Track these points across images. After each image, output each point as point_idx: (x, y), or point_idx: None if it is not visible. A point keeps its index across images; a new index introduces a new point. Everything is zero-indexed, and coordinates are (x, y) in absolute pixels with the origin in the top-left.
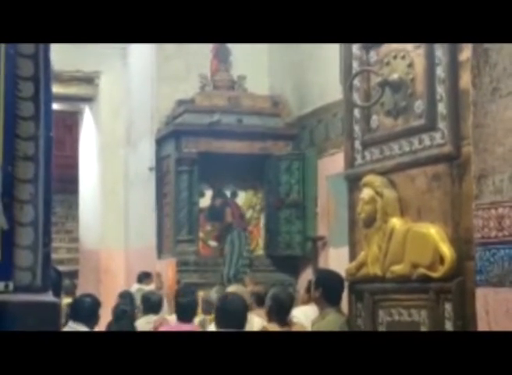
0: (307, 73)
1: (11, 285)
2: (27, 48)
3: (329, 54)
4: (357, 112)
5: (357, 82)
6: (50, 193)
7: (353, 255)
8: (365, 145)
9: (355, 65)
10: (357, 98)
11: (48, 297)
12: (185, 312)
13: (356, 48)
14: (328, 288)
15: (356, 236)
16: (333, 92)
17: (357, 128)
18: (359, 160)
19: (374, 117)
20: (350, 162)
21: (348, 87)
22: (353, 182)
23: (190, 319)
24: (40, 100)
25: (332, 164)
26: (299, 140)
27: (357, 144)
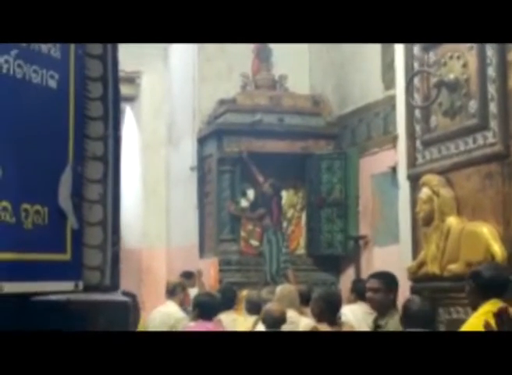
0: (348, 73)
1: (80, 284)
2: (96, 48)
3: (370, 53)
4: (417, 112)
5: (416, 82)
6: (119, 192)
7: (415, 254)
8: (425, 145)
9: (416, 65)
10: (417, 98)
11: (118, 296)
12: (207, 310)
13: (417, 49)
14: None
15: (417, 235)
16: (374, 91)
17: (417, 128)
18: (420, 160)
19: (433, 117)
20: (411, 161)
21: (407, 88)
22: (415, 181)
23: (211, 317)
24: (108, 100)
25: (374, 163)
26: (340, 139)
27: (418, 144)
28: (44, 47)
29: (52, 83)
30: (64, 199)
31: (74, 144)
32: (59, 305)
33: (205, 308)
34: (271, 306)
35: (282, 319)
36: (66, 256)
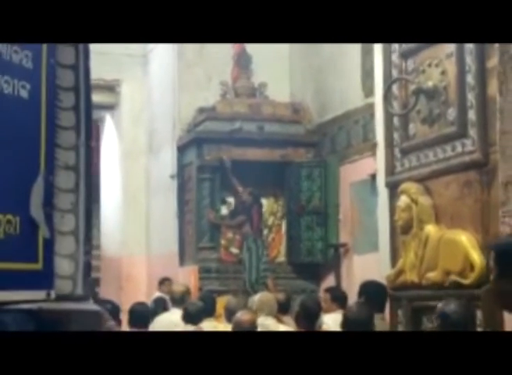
0: (328, 80)
1: (52, 294)
2: (68, 58)
3: (350, 61)
4: (396, 120)
5: (395, 90)
6: (90, 202)
7: (394, 262)
8: (404, 153)
9: (394, 73)
10: (395, 105)
11: (89, 305)
12: (135, 317)
13: (395, 56)
14: (371, 297)
15: (396, 243)
16: (354, 99)
17: (396, 136)
18: (398, 168)
19: (411, 125)
20: (390, 169)
21: (385, 96)
22: (394, 189)
23: (145, 324)
24: (80, 110)
25: (354, 171)
26: (320, 147)
27: (397, 152)
28: (16, 57)
29: (24, 94)
30: (36, 209)
31: (46, 153)
32: (31, 313)
33: (134, 315)
34: (240, 316)
35: (252, 328)
36: (38, 265)
